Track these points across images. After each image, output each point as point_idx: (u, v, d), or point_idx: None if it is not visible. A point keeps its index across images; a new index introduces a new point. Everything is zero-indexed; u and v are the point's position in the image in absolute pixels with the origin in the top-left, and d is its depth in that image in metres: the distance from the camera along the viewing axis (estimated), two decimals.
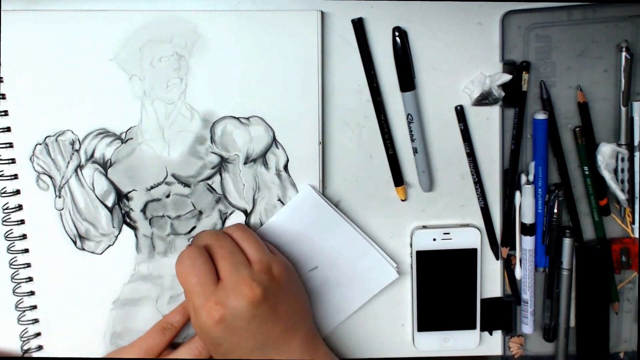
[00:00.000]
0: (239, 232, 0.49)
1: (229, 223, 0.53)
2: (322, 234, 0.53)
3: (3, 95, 0.50)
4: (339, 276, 0.54)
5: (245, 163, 0.52)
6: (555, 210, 0.53)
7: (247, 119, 0.51)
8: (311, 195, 0.52)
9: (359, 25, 0.50)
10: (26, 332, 0.54)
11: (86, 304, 0.53)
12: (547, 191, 0.53)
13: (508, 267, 0.55)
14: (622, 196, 0.53)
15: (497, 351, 0.57)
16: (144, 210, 0.52)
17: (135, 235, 0.53)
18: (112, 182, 0.52)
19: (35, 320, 0.53)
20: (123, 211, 0.52)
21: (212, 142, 0.52)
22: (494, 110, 0.53)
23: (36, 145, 0.51)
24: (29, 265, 0.52)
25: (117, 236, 0.53)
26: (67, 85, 0.50)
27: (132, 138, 0.51)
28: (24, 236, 0.52)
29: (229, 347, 0.45)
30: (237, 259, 0.46)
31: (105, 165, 0.51)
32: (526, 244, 0.54)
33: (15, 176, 0.51)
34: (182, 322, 0.51)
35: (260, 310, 0.44)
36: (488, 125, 0.53)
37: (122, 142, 0.51)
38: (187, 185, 0.52)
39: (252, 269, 0.46)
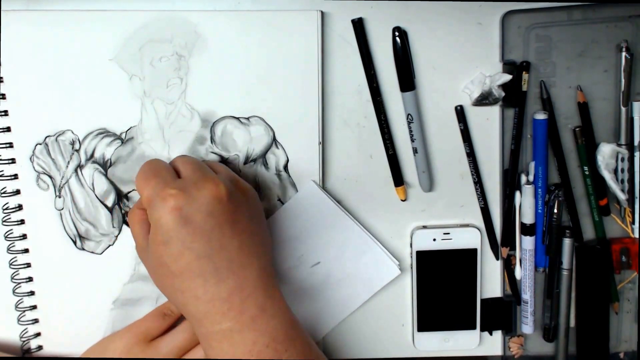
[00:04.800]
0: (209, 161, 0.48)
1: None
2: (325, 230, 0.53)
3: (3, 95, 0.50)
4: (341, 272, 0.54)
5: (245, 163, 0.52)
6: (555, 210, 0.53)
7: (247, 119, 0.51)
8: (314, 190, 0.52)
9: (359, 25, 0.50)
10: (26, 332, 0.54)
11: (86, 304, 0.53)
12: (547, 191, 0.54)
13: (508, 267, 0.55)
14: (622, 196, 0.53)
15: (497, 351, 0.57)
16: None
17: None
18: (112, 182, 0.52)
19: (35, 320, 0.54)
20: (123, 211, 0.52)
21: (212, 142, 0.52)
22: (494, 110, 0.53)
23: (36, 145, 0.51)
24: (29, 265, 0.52)
25: (117, 236, 0.53)
26: (67, 85, 0.50)
27: (132, 138, 0.51)
28: (24, 236, 0.52)
29: (178, 247, 0.40)
30: (202, 165, 0.44)
31: (105, 165, 0.51)
32: (526, 244, 0.54)
33: (15, 176, 0.51)
34: None
35: (220, 209, 0.41)
36: (488, 126, 0.53)
37: (122, 142, 0.51)
38: None
39: (217, 174, 0.44)
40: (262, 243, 0.45)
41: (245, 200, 0.44)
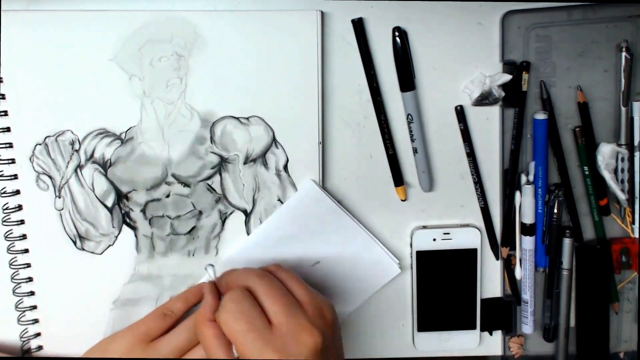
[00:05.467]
0: (281, 271, 0.45)
1: (229, 223, 0.53)
2: (325, 229, 0.53)
3: (3, 95, 0.50)
4: (341, 271, 0.54)
5: (245, 163, 0.52)
6: (555, 210, 0.53)
7: (247, 119, 0.51)
8: (313, 189, 0.52)
9: (359, 25, 0.50)
10: (26, 332, 0.54)
11: (86, 304, 0.53)
12: (547, 191, 0.53)
13: (508, 267, 0.55)
14: (622, 196, 0.53)
15: (497, 351, 0.57)
16: (144, 210, 0.52)
17: (135, 235, 0.53)
18: (112, 182, 0.52)
19: (35, 321, 0.54)
20: (123, 211, 0.52)
21: (212, 142, 0.52)
22: (494, 110, 0.53)
23: (36, 145, 0.51)
24: (29, 265, 0.52)
25: (117, 236, 0.53)
26: (67, 85, 0.50)
27: (132, 138, 0.51)
28: (24, 236, 0.52)
29: None
30: (289, 300, 0.42)
31: (105, 165, 0.51)
32: (526, 244, 0.54)
33: (15, 176, 0.51)
34: (183, 310, 0.50)
35: (322, 358, 0.40)
36: (488, 125, 0.53)
37: (122, 142, 0.51)
38: (187, 185, 0.52)
39: (306, 312, 0.42)
40: (342, 356, 0.44)
41: (334, 330, 0.43)
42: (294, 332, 0.40)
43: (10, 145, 0.51)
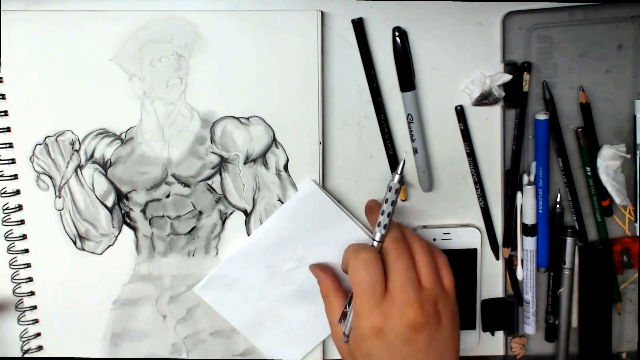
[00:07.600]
0: (420, 246, 0.47)
1: (229, 223, 0.53)
2: (325, 230, 0.53)
3: (3, 95, 0.50)
4: (341, 274, 0.54)
5: (245, 163, 0.52)
6: (558, 211, 0.53)
7: (247, 119, 0.51)
8: (314, 189, 0.52)
9: (359, 25, 0.50)
10: (26, 333, 0.54)
11: (86, 304, 0.53)
12: (549, 191, 0.53)
13: (510, 267, 0.55)
14: (619, 201, 0.52)
15: (499, 351, 0.57)
16: (144, 211, 0.52)
17: (135, 236, 0.53)
18: (112, 182, 0.52)
19: (35, 321, 0.54)
20: (123, 211, 0.52)
21: (212, 142, 0.52)
22: (495, 111, 0.52)
23: (36, 145, 0.51)
24: (29, 265, 0.53)
25: (117, 236, 0.53)
26: (67, 85, 0.50)
27: (132, 138, 0.51)
28: (24, 236, 0.52)
29: None
30: (410, 276, 0.45)
31: (105, 166, 0.51)
32: (527, 245, 0.54)
33: (15, 176, 0.51)
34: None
35: (417, 338, 0.43)
36: (488, 126, 0.53)
37: (122, 142, 0.51)
38: (187, 185, 0.52)
39: (421, 293, 0.44)
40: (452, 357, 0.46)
41: (443, 323, 0.45)
42: (401, 304, 0.44)
43: (11, 145, 0.51)
